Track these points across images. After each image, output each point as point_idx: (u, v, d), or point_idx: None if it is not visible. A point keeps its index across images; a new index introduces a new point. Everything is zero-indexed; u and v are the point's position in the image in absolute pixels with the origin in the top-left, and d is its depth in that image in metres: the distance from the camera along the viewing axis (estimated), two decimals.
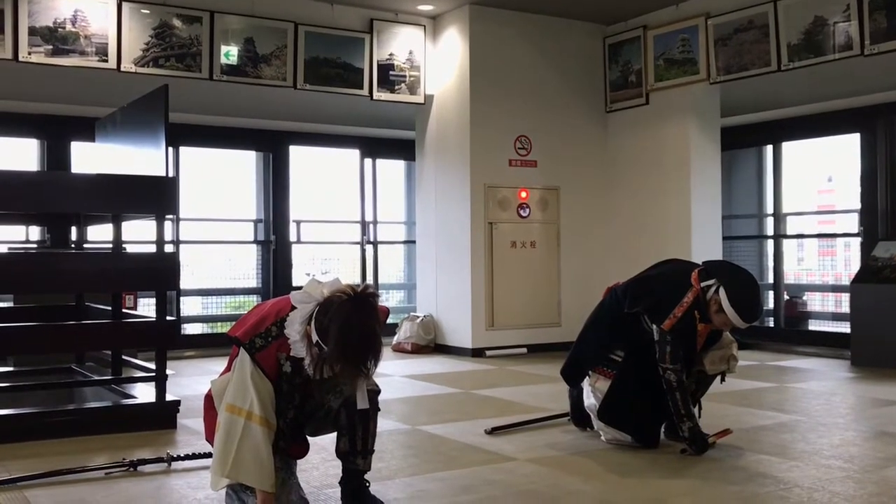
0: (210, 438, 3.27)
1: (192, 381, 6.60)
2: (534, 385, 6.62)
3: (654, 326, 4.21)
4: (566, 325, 8.58)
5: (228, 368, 3.24)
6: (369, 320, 2.94)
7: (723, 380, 4.50)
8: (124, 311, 5.75)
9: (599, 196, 9.20)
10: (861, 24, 6.92)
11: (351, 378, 3.04)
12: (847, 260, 9.35)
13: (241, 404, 3.04)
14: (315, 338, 2.98)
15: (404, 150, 9.79)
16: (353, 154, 9.95)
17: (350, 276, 9.88)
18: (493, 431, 4.76)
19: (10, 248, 7.05)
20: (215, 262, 9.49)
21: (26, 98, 7.81)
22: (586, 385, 4.47)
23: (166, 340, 5.11)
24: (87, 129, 6.84)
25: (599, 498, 3.50)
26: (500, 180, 8.61)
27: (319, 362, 2.99)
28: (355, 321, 2.91)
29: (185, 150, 8.95)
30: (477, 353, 8.42)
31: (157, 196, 4.95)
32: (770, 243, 9.40)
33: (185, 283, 8.76)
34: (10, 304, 6.67)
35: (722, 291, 4.09)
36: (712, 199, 8.55)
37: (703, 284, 4.18)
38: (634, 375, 4.30)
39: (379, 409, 3.32)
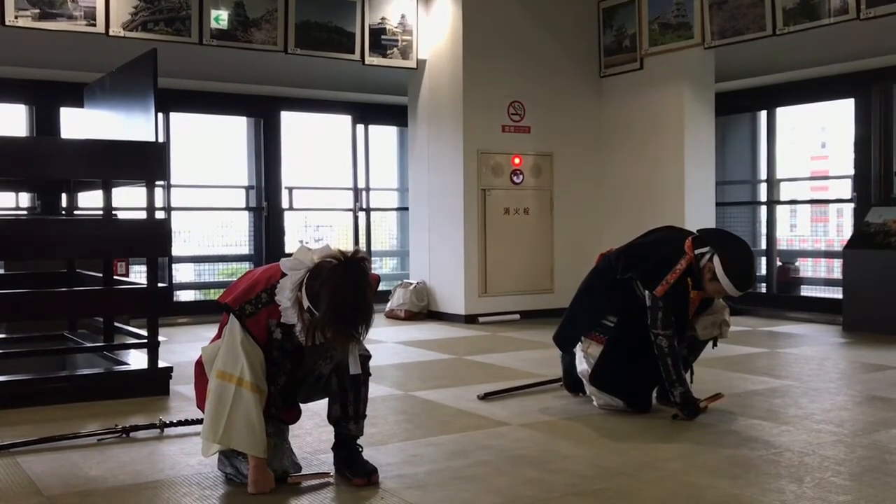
0: (201, 405, 3.27)
1: (184, 347, 6.60)
2: (526, 351, 6.64)
3: (647, 292, 4.21)
4: (559, 291, 8.59)
5: (219, 335, 3.23)
6: (360, 285, 2.93)
7: (715, 345, 4.52)
8: (116, 277, 5.73)
9: (593, 162, 9.16)
10: None
11: (342, 343, 3.04)
12: (840, 226, 9.36)
13: (231, 370, 3.04)
14: (306, 304, 2.97)
15: (397, 115, 9.71)
16: (345, 120, 9.88)
17: (342, 243, 9.86)
18: (486, 397, 4.77)
19: None
20: (207, 229, 9.45)
21: (14, 63, 7.69)
22: (579, 350, 4.48)
23: (158, 307, 5.09)
24: (76, 95, 6.77)
25: (591, 462, 3.51)
26: (493, 146, 8.56)
27: (311, 328, 2.99)
28: (346, 286, 2.90)
29: (175, 116, 8.87)
30: (470, 319, 8.43)
31: (146, 162, 4.91)
32: (763, 209, 9.39)
33: (177, 250, 8.74)
34: (1, 271, 6.64)
35: (716, 259, 4.08)
36: (706, 164, 8.52)
37: (696, 252, 4.17)
38: (626, 341, 4.31)
39: (370, 375, 3.33)
